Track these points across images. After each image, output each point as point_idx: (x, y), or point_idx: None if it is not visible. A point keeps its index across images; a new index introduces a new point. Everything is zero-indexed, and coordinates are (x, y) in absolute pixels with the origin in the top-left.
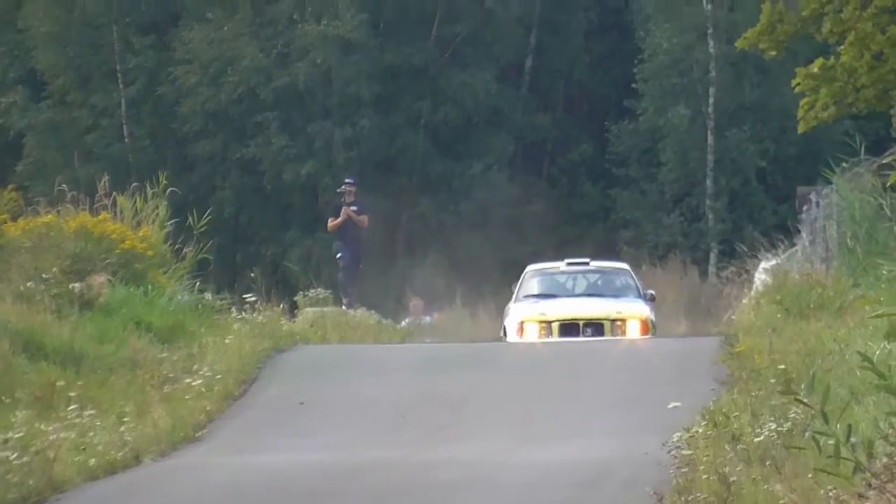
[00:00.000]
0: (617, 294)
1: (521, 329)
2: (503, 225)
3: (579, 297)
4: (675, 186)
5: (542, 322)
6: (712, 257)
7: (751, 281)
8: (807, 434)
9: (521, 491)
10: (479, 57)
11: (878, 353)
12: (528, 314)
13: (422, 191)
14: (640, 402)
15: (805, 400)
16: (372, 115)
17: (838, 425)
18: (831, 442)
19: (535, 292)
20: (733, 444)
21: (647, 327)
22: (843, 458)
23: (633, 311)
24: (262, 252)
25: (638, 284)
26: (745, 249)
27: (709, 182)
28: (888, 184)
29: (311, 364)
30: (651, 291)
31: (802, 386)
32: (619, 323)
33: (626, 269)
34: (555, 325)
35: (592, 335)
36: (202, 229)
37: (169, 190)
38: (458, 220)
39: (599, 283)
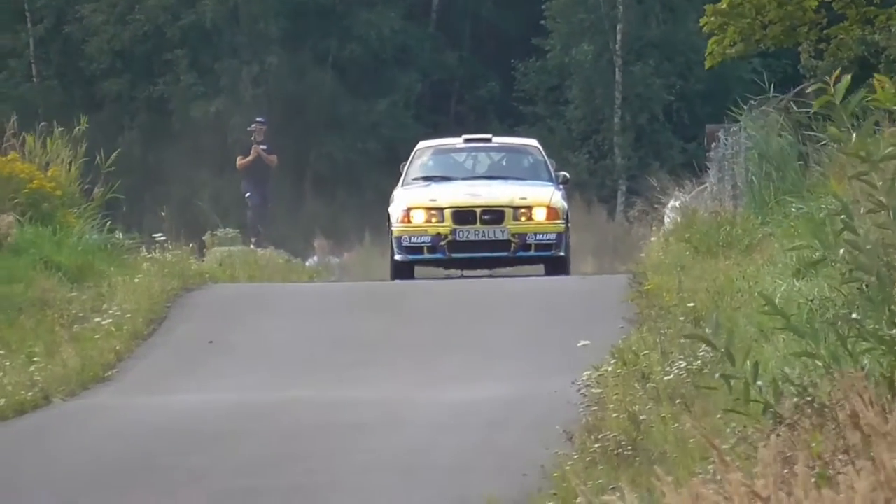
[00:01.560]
0: (523, 176)
1: (407, 217)
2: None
3: (478, 180)
4: (581, 124)
5: (432, 209)
6: (620, 195)
7: (659, 219)
8: (716, 375)
9: (429, 431)
10: None
11: (784, 290)
12: (415, 200)
13: (329, 129)
14: (549, 341)
15: (712, 340)
16: (280, 53)
17: (747, 363)
18: (740, 382)
19: (427, 174)
20: (643, 383)
21: (556, 214)
22: (751, 400)
23: (540, 196)
24: (172, 192)
25: (549, 165)
26: (654, 186)
27: (616, 119)
28: (811, 111)
29: (221, 304)
30: (564, 173)
31: (709, 325)
32: (523, 210)
33: (535, 147)
34: (447, 213)
35: (490, 223)
36: (110, 168)
37: (79, 129)
38: (366, 158)
39: (504, 162)
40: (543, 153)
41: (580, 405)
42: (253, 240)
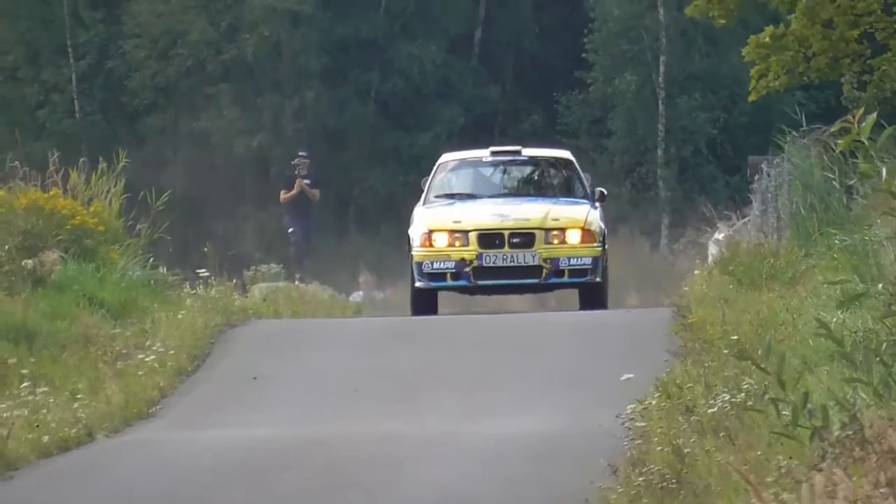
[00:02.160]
0: (555, 193)
1: (428, 240)
2: None
3: (506, 198)
4: (625, 156)
5: (455, 232)
6: (663, 228)
7: (703, 252)
8: (766, 397)
9: (473, 464)
10: (428, 29)
11: (832, 322)
12: (437, 221)
13: (372, 163)
14: (593, 374)
15: (762, 366)
16: (320, 88)
17: (792, 394)
18: (787, 413)
19: (450, 191)
20: (687, 416)
21: (592, 236)
22: (799, 426)
23: (573, 216)
24: (214, 227)
25: (584, 180)
26: (703, 213)
27: (659, 151)
28: (838, 149)
29: (264, 339)
30: (601, 189)
31: (759, 353)
32: (555, 232)
33: (570, 160)
34: (472, 236)
35: (519, 247)
36: (160, 208)
37: (121, 165)
38: (409, 192)
39: (534, 178)
40: (578, 167)
41: (624, 438)
42: (297, 275)
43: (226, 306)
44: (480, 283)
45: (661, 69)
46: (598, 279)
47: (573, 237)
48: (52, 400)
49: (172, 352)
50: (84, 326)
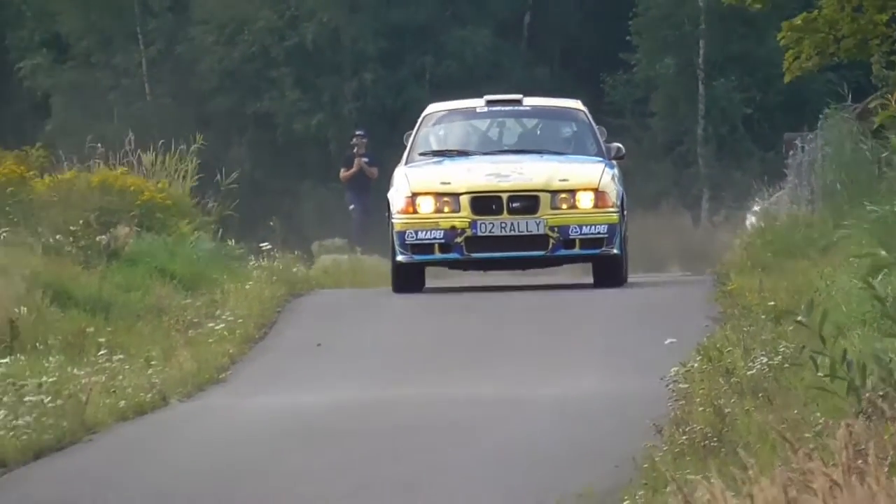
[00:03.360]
0: (564, 149)
1: (412, 205)
2: None
3: (505, 155)
4: (666, 135)
5: (444, 195)
6: (703, 202)
7: (741, 224)
8: (803, 354)
9: (527, 427)
10: (479, 14)
11: (859, 288)
12: (422, 182)
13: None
14: (639, 340)
15: (804, 322)
16: (378, 70)
17: (831, 350)
18: (826, 360)
19: (438, 147)
20: (727, 378)
21: (607, 200)
22: (837, 377)
23: (585, 176)
24: (277, 203)
25: (597, 133)
26: (737, 193)
27: (699, 130)
28: (874, 126)
29: (327, 308)
30: (618, 144)
31: (799, 313)
32: (563, 195)
33: (580, 110)
34: (464, 200)
35: (521, 213)
36: (232, 185)
37: (195, 146)
38: None
39: (538, 131)
40: (590, 118)
41: (668, 400)
42: (358, 248)
43: (290, 277)
44: (474, 255)
45: (701, 52)
46: (614, 251)
47: (585, 201)
48: (127, 367)
49: (241, 320)
50: (157, 297)
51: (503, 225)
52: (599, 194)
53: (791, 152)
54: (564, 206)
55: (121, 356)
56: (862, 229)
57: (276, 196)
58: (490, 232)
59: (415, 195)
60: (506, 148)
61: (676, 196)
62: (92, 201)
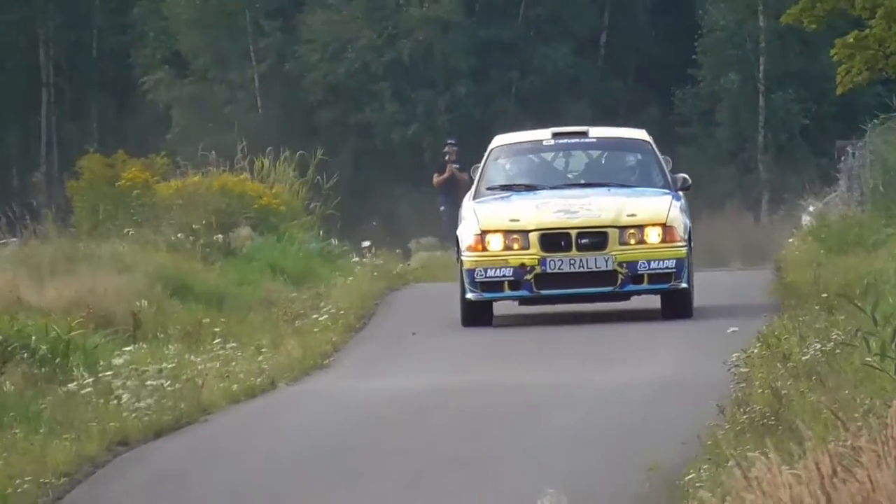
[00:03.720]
0: (630, 181)
1: (480, 243)
2: None
3: (572, 189)
4: (730, 143)
5: (513, 233)
6: (763, 203)
7: (797, 223)
8: (857, 334)
9: (600, 408)
10: (560, 33)
11: None
12: (491, 219)
13: None
14: (704, 327)
15: (858, 304)
16: (469, 84)
17: (883, 330)
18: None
19: (506, 182)
20: (784, 363)
21: (675, 235)
22: (888, 357)
23: (653, 210)
24: (377, 205)
25: (662, 163)
26: (794, 196)
27: (759, 139)
28: None
29: (421, 300)
30: (684, 175)
31: (855, 298)
32: (631, 230)
33: (645, 141)
34: (533, 237)
35: (590, 249)
36: (329, 185)
37: (298, 153)
38: None
39: (603, 162)
40: (655, 148)
41: (731, 382)
42: (450, 246)
43: (388, 273)
44: (544, 292)
45: (761, 68)
46: (683, 284)
47: (653, 236)
48: (240, 354)
49: (343, 312)
50: (267, 291)
51: (572, 262)
52: (667, 229)
53: (843, 158)
54: (633, 241)
55: (234, 344)
56: None
57: (376, 199)
58: (559, 269)
59: (484, 233)
60: (572, 181)
61: (739, 198)
62: (212, 203)
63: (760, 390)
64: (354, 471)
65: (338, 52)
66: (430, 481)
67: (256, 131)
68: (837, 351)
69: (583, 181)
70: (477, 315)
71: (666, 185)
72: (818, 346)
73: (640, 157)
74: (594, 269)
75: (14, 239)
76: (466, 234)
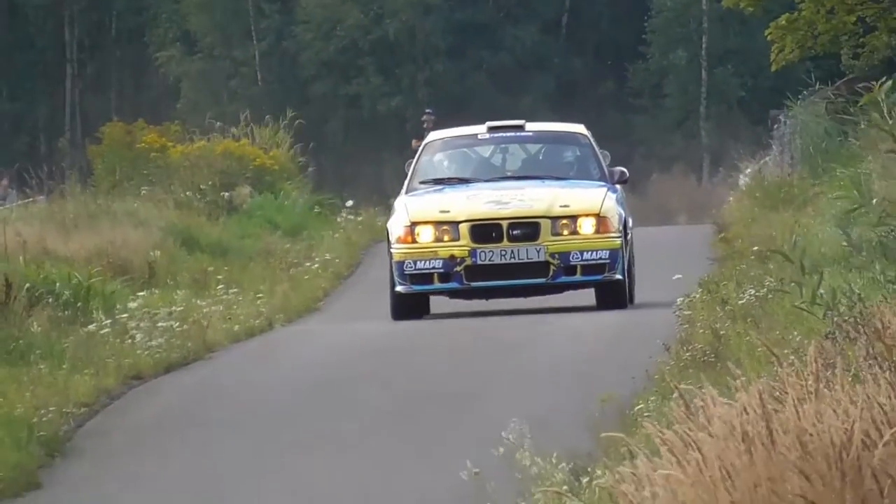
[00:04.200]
0: (566, 174)
1: (410, 235)
2: None
3: (506, 182)
4: (676, 112)
5: (443, 224)
6: (705, 166)
7: (735, 184)
8: (785, 285)
9: (559, 347)
10: (527, 15)
11: (830, 233)
12: (421, 211)
13: (483, 120)
14: (652, 276)
15: (788, 256)
16: (445, 61)
17: (809, 281)
18: (807, 288)
19: (438, 176)
20: (722, 306)
21: (608, 226)
22: (816, 304)
23: (587, 201)
24: (363, 168)
25: (600, 158)
26: (732, 159)
27: (702, 109)
28: (859, 104)
29: None
30: (621, 169)
31: (784, 249)
32: (564, 222)
33: (583, 135)
34: (464, 229)
35: (521, 240)
36: (312, 146)
37: (296, 122)
38: None
39: (541, 157)
40: (593, 141)
41: (676, 324)
42: None
43: (372, 227)
44: (474, 284)
45: (704, 46)
46: (617, 276)
47: (587, 227)
48: (241, 298)
49: (333, 261)
50: (265, 243)
51: (503, 253)
52: (601, 220)
53: (775, 126)
54: (566, 232)
55: (235, 290)
56: (832, 186)
57: (362, 163)
58: (490, 260)
59: (414, 224)
60: (508, 174)
61: (684, 161)
62: (216, 166)
63: (702, 331)
64: (342, 403)
65: (329, 31)
66: (411, 412)
67: (257, 102)
68: (770, 296)
69: (519, 175)
70: (407, 308)
71: (603, 178)
72: (753, 291)
73: (577, 151)
74: (526, 260)
75: (41, 197)
76: (396, 226)
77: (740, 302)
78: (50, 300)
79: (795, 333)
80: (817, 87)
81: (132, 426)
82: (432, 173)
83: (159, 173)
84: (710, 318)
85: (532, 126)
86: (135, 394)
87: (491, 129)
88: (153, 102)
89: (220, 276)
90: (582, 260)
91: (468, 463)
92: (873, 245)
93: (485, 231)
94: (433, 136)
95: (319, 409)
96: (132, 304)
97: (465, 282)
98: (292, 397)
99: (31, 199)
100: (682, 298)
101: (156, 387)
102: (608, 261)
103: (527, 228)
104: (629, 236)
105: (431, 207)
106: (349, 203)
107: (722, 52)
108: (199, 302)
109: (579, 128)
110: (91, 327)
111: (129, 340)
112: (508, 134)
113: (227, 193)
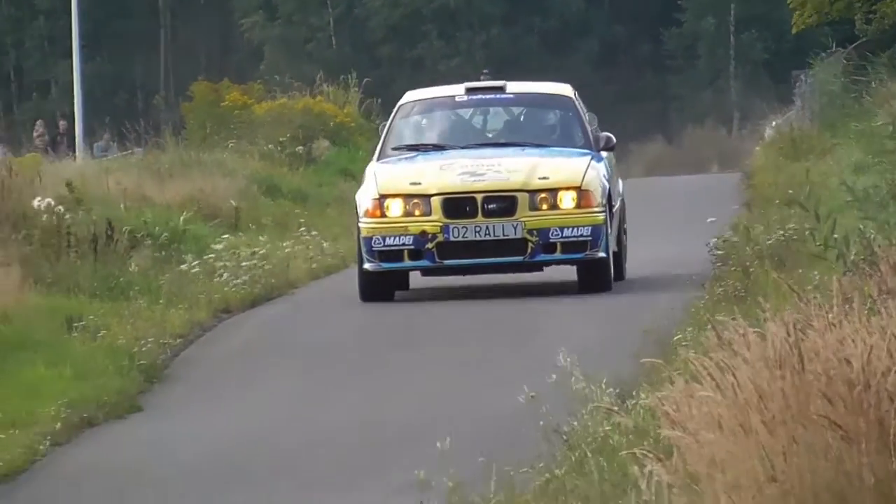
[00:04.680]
0: (548, 140)
1: (378, 208)
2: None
3: (482, 150)
4: (709, 72)
5: (414, 197)
6: (735, 120)
7: (761, 136)
8: (805, 233)
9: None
10: None
11: (848, 181)
12: (390, 182)
13: (534, 79)
14: (688, 218)
15: (804, 205)
16: (500, 27)
17: (824, 227)
18: (822, 235)
19: (413, 140)
20: (752, 246)
21: (591, 199)
22: (829, 246)
23: (568, 172)
24: None
25: (585, 121)
26: (759, 114)
27: (731, 69)
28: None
29: None
30: (607, 134)
31: (802, 198)
32: (542, 195)
33: (567, 96)
34: (435, 202)
35: (497, 215)
36: (380, 103)
37: (366, 81)
38: None
39: (522, 120)
40: (578, 104)
41: (710, 263)
42: None
43: None
44: (447, 262)
45: (732, 13)
46: (600, 254)
47: (567, 201)
48: (319, 240)
49: None
50: (340, 190)
51: (478, 229)
52: (583, 193)
53: (797, 85)
54: (545, 206)
55: (314, 233)
56: (848, 139)
57: None
58: (464, 237)
59: (382, 197)
60: (486, 140)
61: (715, 116)
62: (296, 121)
63: (733, 269)
64: (411, 334)
65: (395, 0)
66: (472, 343)
67: (331, 64)
68: (794, 238)
69: (497, 140)
70: (377, 287)
71: (587, 145)
72: (777, 234)
73: (558, 113)
74: (501, 237)
75: (139, 149)
76: (364, 198)
77: (767, 243)
78: (147, 242)
79: (815, 272)
80: (834, 49)
81: (222, 355)
82: (406, 138)
83: (244, 128)
84: (741, 257)
85: (514, 87)
86: (224, 326)
87: (469, 91)
88: (238, 64)
89: (300, 220)
90: (562, 237)
91: (525, 387)
92: (884, 193)
93: (458, 205)
94: (408, 96)
95: (390, 338)
96: (219, 246)
97: (438, 259)
98: (365, 329)
99: (129, 151)
100: (715, 239)
101: (243, 320)
102: (590, 238)
103: (503, 202)
104: (616, 208)
105: (401, 178)
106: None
107: (748, 18)
108: (281, 243)
109: (565, 88)
110: (184, 266)
111: (218, 278)
112: (488, 96)
113: (304, 146)
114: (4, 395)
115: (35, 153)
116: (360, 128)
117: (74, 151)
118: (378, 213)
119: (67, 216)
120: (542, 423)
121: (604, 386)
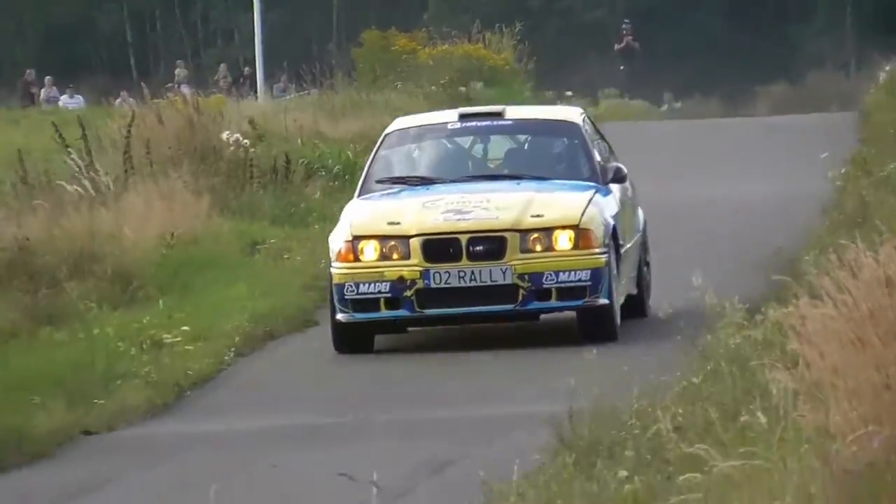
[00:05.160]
0: (550, 172)
1: (351, 251)
2: (726, 52)
3: (474, 184)
4: (832, 27)
5: (390, 238)
6: (852, 66)
7: (876, 79)
8: None
9: (734, 212)
10: None
11: None
12: (365, 222)
13: (670, 32)
14: (803, 154)
15: None
16: None
17: None
18: None
19: (399, 173)
20: (867, 177)
21: (591, 239)
22: None
23: (564, 208)
24: (574, 67)
25: (591, 150)
26: (874, 60)
27: (847, 19)
28: None
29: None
30: (617, 165)
31: None
32: (535, 235)
33: (573, 123)
34: (415, 244)
35: (484, 258)
36: (530, 49)
37: (518, 29)
38: (695, 48)
39: (522, 151)
40: (587, 130)
41: (830, 192)
42: (627, 96)
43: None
44: (428, 312)
45: None
46: (601, 300)
47: (563, 241)
48: None
49: None
50: None
51: (462, 274)
52: (581, 232)
53: None
54: (538, 247)
55: None
56: None
57: (573, 62)
58: (446, 283)
59: (356, 238)
60: (484, 171)
61: (834, 61)
62: (456, 65)
63: (850, 197)
64: None
65: None
66: None
67: (487, 14)
68: None
69: (495, 172)
70: (351, 340)
71: (594, 177)
72: (893, 165)
73: (564, 141)
74: (489, 282)
75: (314, 90)
76: (336, 240)
77: (881, 174)
78: (322, 173)
79: None
80: None
81: None
82: (391, 170)
83: (410, 71)
84: (858, 186)
85: (513, 113)
86: None
87: (463, 118)
88: (404, 13)
89: None
90: (557, 282)
91: (664, 303)
92: None
93: (440, 247)
94: (395, 123)
95: None
96: None
97: (417, 308)
98: None
99: (305, 92)
100: (833, 172)
101: None
102: (589, 283)
103: (490, 244)
104: (628, 247)
105: (379, 217)
106: (568, 93)
107: None
108: None
109: (572, 114)
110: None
111: None
112: (483, 123)
113: (463, 87)
114: (193, 310)
115: (219, 94)
116: (512, 71)
117: (256, 93)
118: (351, 256)
119: (252, 150)
120: (678, 337)
121: (737, 303)
